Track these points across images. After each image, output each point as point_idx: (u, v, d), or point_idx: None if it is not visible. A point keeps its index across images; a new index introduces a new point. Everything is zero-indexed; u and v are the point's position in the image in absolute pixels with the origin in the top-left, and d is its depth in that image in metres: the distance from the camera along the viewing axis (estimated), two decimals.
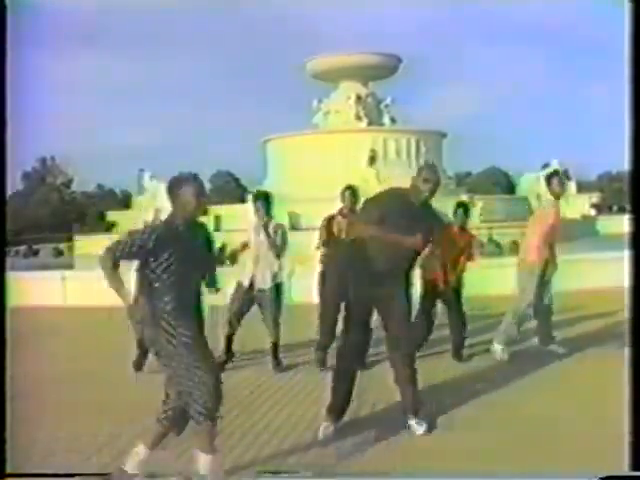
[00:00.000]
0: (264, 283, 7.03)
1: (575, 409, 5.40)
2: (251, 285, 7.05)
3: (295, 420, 5.34)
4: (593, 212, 28.72)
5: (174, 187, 3.90)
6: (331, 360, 6.17)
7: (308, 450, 4.64)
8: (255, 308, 7.21)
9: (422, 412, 5.04)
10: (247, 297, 7.11)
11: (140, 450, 4.01)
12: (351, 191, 7.16)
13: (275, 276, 7.08)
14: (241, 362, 7.32)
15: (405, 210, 4.88)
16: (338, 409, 5.07)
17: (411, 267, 5.15)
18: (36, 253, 27.03)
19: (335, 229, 7.04)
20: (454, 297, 7.41)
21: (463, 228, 7.43)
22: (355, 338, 5.09)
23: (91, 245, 18.94)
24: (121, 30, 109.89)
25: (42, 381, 6.81)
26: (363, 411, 5.45)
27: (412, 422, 4.98)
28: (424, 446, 4.70)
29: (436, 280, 7.22)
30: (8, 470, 3.88)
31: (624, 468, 3.70)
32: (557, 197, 7.26)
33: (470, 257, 7.45)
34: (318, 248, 7.30)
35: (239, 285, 7.13)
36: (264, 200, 7.09)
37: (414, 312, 6.09)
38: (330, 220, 7.16)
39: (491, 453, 4.48)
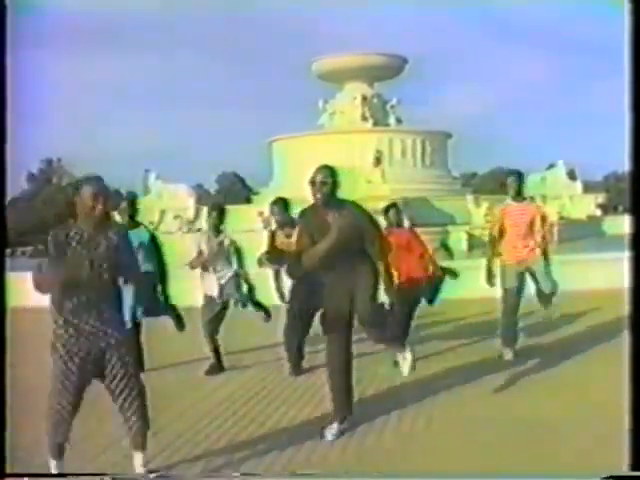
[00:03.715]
0: (212, 291, 6.95)
1: (575, 409, 5.39)
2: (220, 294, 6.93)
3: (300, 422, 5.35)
4: (599, 212, 28.58)
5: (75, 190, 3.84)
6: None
7: (314, 452, 4.64)
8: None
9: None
10: (216, 307, 6.98)
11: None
12: (281, 204, 7.09)
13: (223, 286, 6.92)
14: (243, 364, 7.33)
15: (316, 217, 4.91)
16: (342, 408, 5.05)
17: (365, 255, 4.99)
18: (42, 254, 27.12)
19: (278, 243, 6.94)
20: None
21: (400, 226, 7.31)
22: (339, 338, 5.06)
23: None
24: (124, 30, 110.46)
25: (43, 382, 6.79)
26: (365, 410, 5.44)
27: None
28: (425, 446, 4.69)
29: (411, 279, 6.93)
30: (8, 470, 3.88)
31: (624, 468, 3.68)
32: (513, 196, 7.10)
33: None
34: (261, 261, 7.20)
35: (205, 296, 7.03)
36: (219, 212, 7.08)
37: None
38: (272, 235, 7.08)
39: (491, 453, 4.47)
